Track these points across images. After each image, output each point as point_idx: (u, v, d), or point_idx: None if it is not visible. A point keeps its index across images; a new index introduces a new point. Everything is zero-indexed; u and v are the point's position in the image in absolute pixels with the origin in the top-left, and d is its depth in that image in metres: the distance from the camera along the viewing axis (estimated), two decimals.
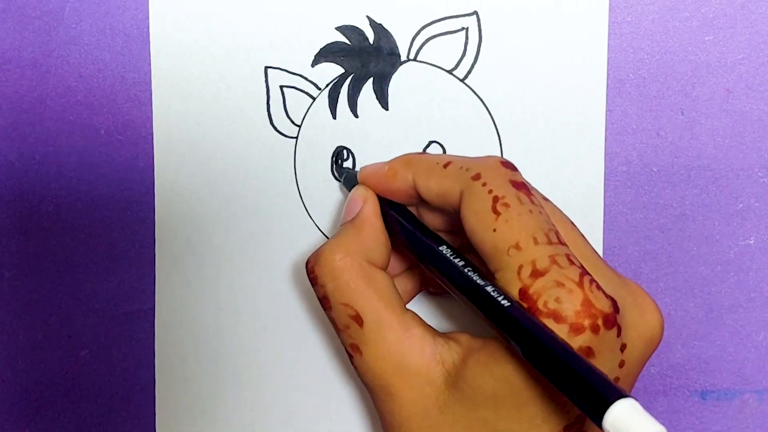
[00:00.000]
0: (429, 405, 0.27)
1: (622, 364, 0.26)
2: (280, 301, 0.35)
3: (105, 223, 0.35)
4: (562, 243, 0.27)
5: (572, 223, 0.29)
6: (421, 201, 0.30)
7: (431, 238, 0.29)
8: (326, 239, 0.35)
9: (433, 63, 0.34)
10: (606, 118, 0.34)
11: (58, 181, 0.34)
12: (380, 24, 0.34)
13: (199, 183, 0.34)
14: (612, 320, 0.25)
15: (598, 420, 0.21)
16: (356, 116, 0.34)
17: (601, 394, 0.21)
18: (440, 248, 0.28)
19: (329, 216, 0.35)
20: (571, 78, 0.34)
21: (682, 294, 0.35)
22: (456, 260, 0.28)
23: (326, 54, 0.34)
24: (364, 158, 0.34)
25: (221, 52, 0.34)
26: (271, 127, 0.34)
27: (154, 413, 0.35)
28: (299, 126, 0.34)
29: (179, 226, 0.35)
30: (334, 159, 0.34)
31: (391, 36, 0.34)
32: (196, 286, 0.35)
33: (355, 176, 0.32)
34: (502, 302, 0.25)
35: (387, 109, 0.34)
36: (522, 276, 0.26)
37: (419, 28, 0.34)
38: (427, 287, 0.34)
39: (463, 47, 0.34)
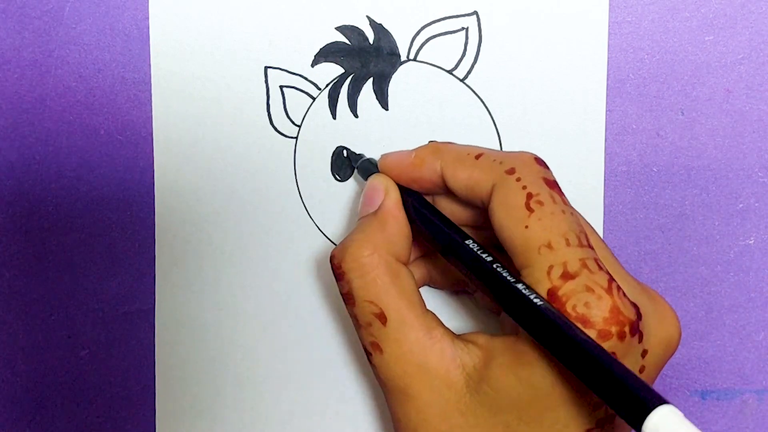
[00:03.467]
0: (448, 408, 0.27)
1: (642, 370, 0.26)
2: (280, 301, 0.35)
3: (105, 223, 0.35)
4: (590, 246, 0.26)
5: (592, 227, 0.29)
6: (445, 191, 0.30)
7: (455, 231, 0.29)
8: (326, 239, 0.35)
9: (433, 63, 0.34)
10: (606, 118, 0.34)
11: (58, 181, 0.34)
12: (380, 24, 0.34)
13: (199, 183, 0.34)
14: (636, 327, 0.25)
15: (638, 425, 0.21)
16: (356, 116, 0.34)
17: (641, 399, 0.21)
18: (467, 242, 0.28)
19: (329, 216, 0.35)
20: (571, 78, 0.34)
21: (682, 294, 0.35)
22: (483, 255, 0.27)
23: (326, 54, 0.34)
24: None
25: (221, 52, 0.34)
26: (271, 127, 0.34)
27: (154, 413, 0.35)
28: (299, 126, 0.34)
29: (179, 226, 0.35)
30: (333, 159, 0.34)
31: (391, 36, 0.34)
32: (196, 286, 0.35)
33: (373, 164, 0.32)
34: (534, 300, 0.25)
35: (387, 109, 0.34)
36: (552, 276, 0.25)
37: (419, 28, 0.34)
38: (430, 282, 0.33)
39: (463, 47, 0.34)
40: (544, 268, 0.26)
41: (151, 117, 0.34)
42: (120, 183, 0.34)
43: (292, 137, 0.34)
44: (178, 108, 0.34)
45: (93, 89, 0.34)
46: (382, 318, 0.28)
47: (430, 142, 0.34)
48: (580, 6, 0.34)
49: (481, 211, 0.28)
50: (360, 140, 0.34)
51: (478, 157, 0.29)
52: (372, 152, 0.34)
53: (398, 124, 0.34)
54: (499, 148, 0.34)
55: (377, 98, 0.34)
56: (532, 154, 0.28)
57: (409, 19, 0.34)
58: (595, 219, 0.35)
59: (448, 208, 0.31)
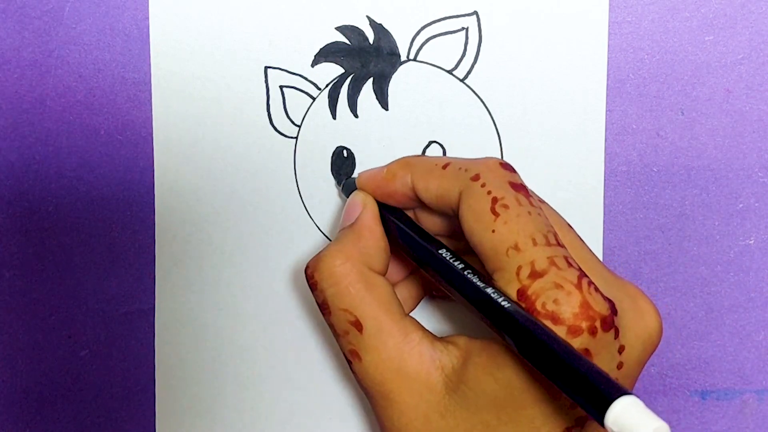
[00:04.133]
0: (429, 411, 0.27)
1: (620, 366, 0.26)
2: (280, 302, 0.35)
3: (105, 223, 0.35)
4: (560, 245, 0.26)
5: (569, 225, 0.29)
6: (420, 204, 0.30)
7: (430, 241, 0.29)
8: (326, 240, 0.35)
9: (433, 63, 0.34)
10: (606, 118, 0.34)
11: (58, 181, 0.34)
12: (380, 24, 0.34)
13: (199, 183, 0.34)
14: (609, 322, 0.25)
15: (600, 418, 0.21)
16: (356, 116, 0.34)
17: (602, 392, 0.21)
18: (439, 251, 0.28)
19: (329, 216, 0.35)
20: (571, 78, 0.34)
21: (682, 294, 0.35)
22: (455, 263, 0.28)
23: (326, 54, 0.34)
24: (364, 158, 0.34)
25: (221, 52, 0.34)
26: (270, 127, 0.34)
27: (154, 413, 0.35)
28: (299, 126, 0.34)
29: (179, 226, 0.35)
30: (333, 159, 0.34)
31: (391, 36, 0.34)
32: (196, 286, 0.35)
33: (354, 182, 0.32)
34: (502, 303, 0.25)
35: (387, 109, 0.34)
36: (521, 277, 0.26)
37: (419, 28, 0.34)
38: (430, 292, 0.34)
39: (463, 47, 0.34)
40: (513, 269, 0.26)
41: (151, 117, 0.34)
42: (120, 183, 0.34)
43: (292, 137, 0.34)
44: (178, 108, 0.34)
45: (93, 89, 0.34)
46: (358, 326, 0.28)
47: (431, 142, 0.34)
48: (580, 6, 0.34)
49: (455, 220, 0.29)
50: (360, 140, 0.34)
51: (445, 167, 0.29)
52: (372, 152, 0.34)
53: (398, 124, 0.34)
54: (499, 148, 0.34)
55: (377, 98, 0.34)
56: (497, 159, 0.29)
57: (409, 19, 0.34)
58: (595, 219, 0.35)
59: (429, 221, 0.31)
